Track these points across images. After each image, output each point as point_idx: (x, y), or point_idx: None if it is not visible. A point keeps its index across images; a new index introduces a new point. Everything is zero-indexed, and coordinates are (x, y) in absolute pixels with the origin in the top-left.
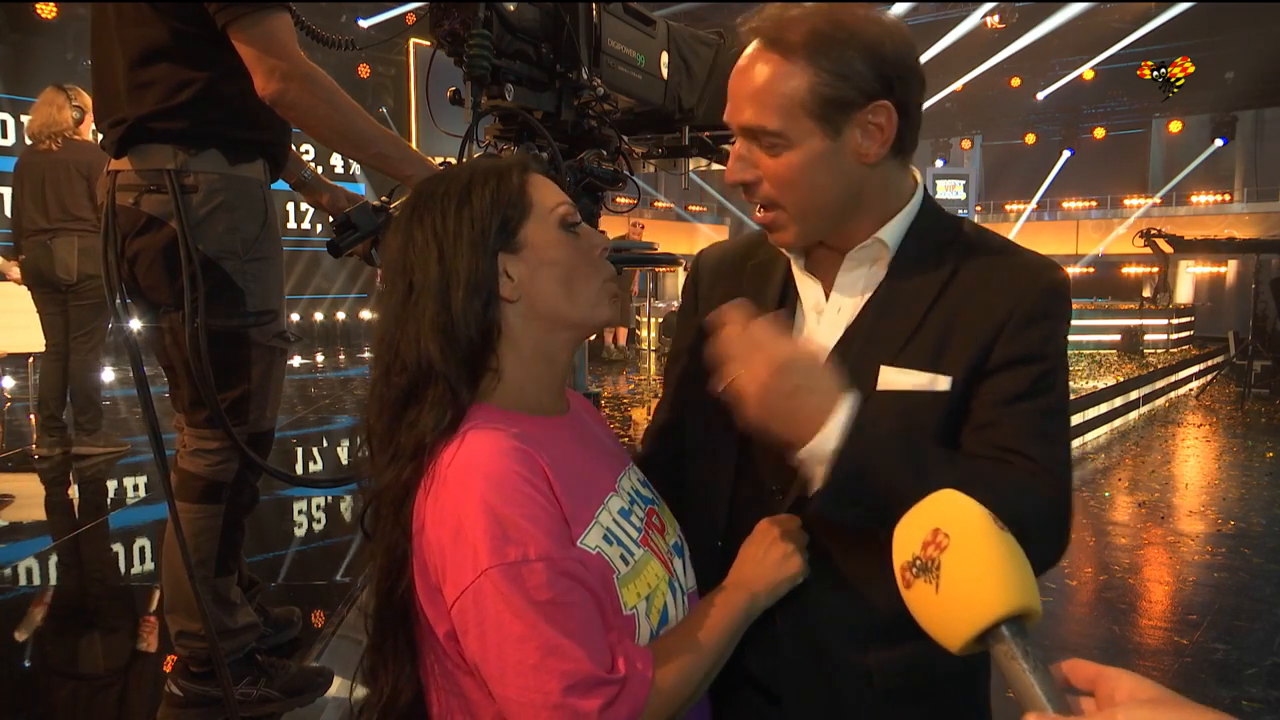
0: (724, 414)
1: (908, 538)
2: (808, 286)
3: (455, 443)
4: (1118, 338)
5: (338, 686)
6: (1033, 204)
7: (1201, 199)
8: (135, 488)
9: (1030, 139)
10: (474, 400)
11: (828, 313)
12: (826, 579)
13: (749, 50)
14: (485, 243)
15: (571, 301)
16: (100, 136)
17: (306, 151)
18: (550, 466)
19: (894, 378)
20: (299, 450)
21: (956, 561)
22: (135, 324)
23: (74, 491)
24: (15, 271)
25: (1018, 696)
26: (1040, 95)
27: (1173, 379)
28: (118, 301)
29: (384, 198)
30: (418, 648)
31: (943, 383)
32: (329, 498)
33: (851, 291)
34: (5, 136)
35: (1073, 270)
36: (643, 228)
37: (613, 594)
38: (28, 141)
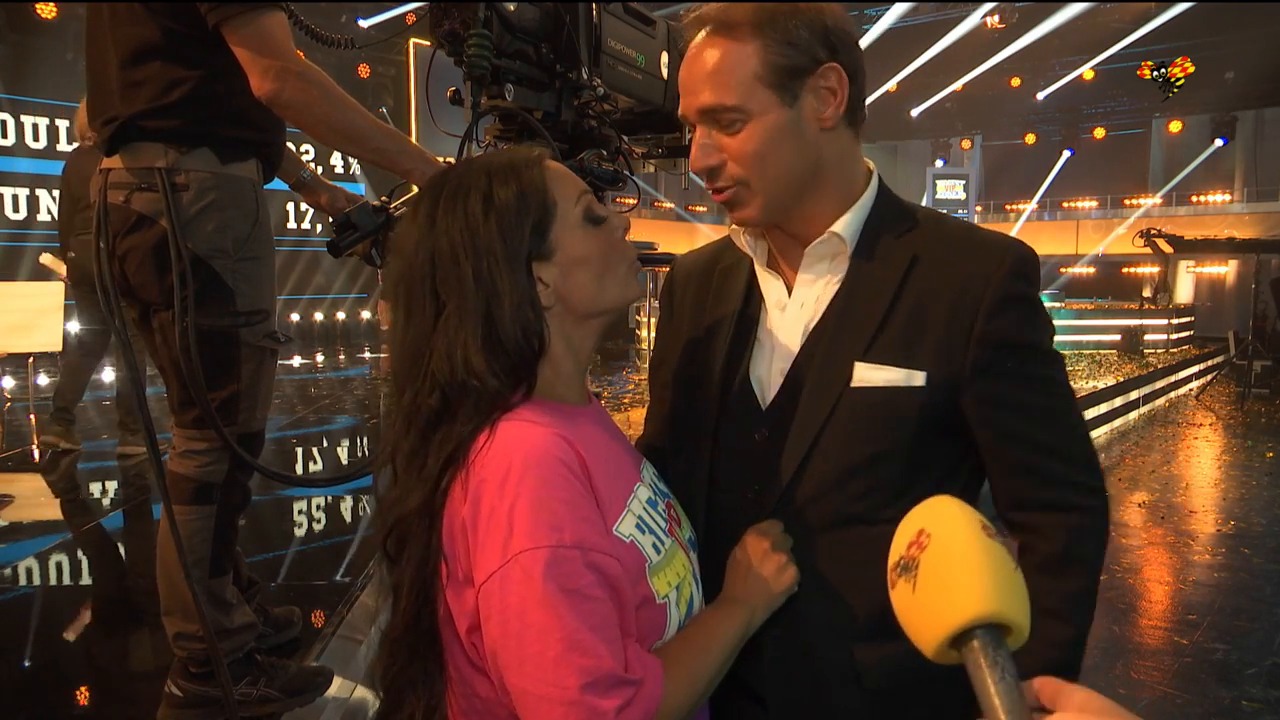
0: (698, 416)
1: (898, 540)
2: (770, 284)
3: (486, 431)
4: (1118, 338)
5: (338, 686)
6: (1033, 204)
7: (1201, 199)
8: (137, 488)
9: (1030, 139)
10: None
11: (790, 308)
12: (809, 581)
13: (696, 41)
14: (521, 255)
15: (603, 292)
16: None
17: (306, 151)
18: (585, 453)
19: (869, 374)
20: (299, 450)
21: (934, 561)
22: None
23: (74, 491)
24: (63, 269)
25: (983, 710)
26: (1040, 95)
27: (1173, 379)
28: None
29: (384, 197)
30: (445, 660)
31: (918, 378)
32: (329, 498)
33: (814, 286)
34: (5, 136)
35: (1073, 270)
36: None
37: (645, 584)
38: (74, 143)
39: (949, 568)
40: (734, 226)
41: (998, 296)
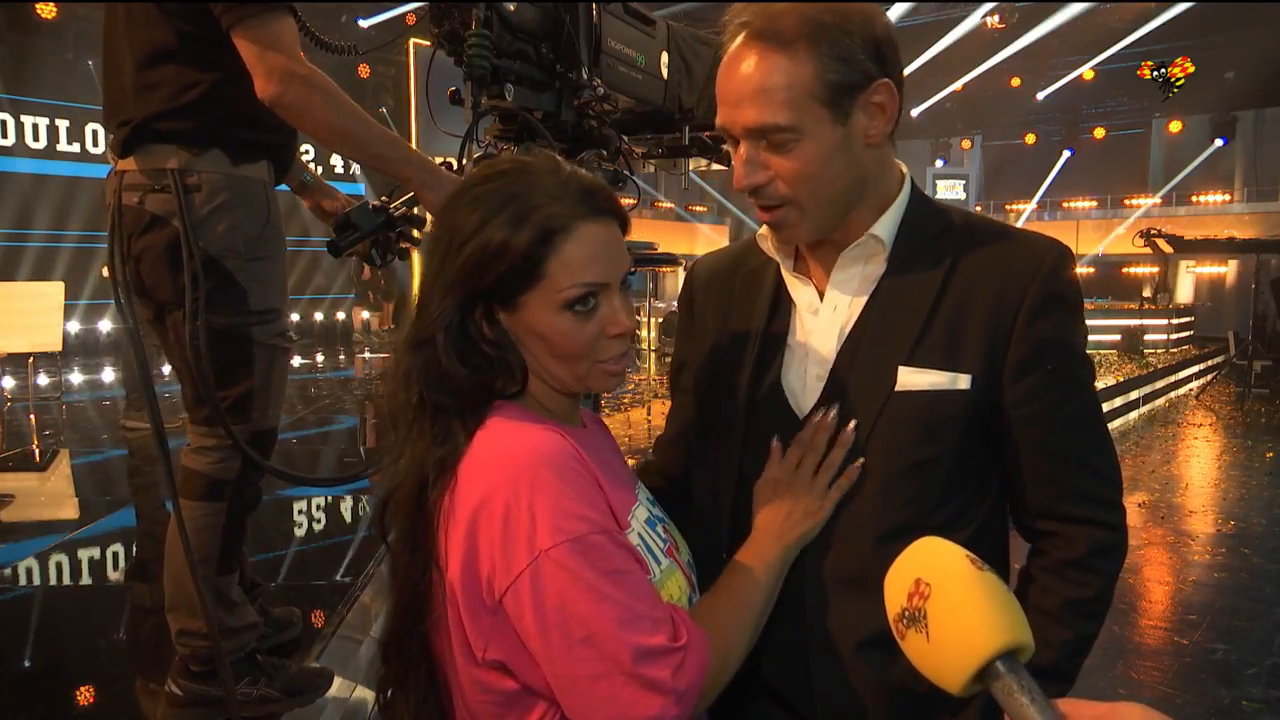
0: (726, 425)
1: (894, 590)
2: (800, 290)
3: (480, 435)
4: (1118, 338)
5: (338, 687)
6: (1033, 204)
7: (1201, 199)
8: (136, 487)
9: (1030, 139)
10: (494, 400)
11: (824, 312)
12: (856, 591)
13: (738, 47)
14: (463, 295)
15: (551, 372)
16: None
17: (306, 152)
18: (591, 462)
19: (913, 378)
20: (299, 450)
21: (941, 608)
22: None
23: (74, 491)
24: None
25: None
26: (1040, 95)
27: (1173, 379)
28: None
29: (384, 197)
30: (437, 676)
31: (963, 380)
32: (329, 498)
33: (847, 290)
34: (5, 136)
35: None
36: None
37: None
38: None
39: (957, 611)
40: (761, 231)
41: (1039, 297)
